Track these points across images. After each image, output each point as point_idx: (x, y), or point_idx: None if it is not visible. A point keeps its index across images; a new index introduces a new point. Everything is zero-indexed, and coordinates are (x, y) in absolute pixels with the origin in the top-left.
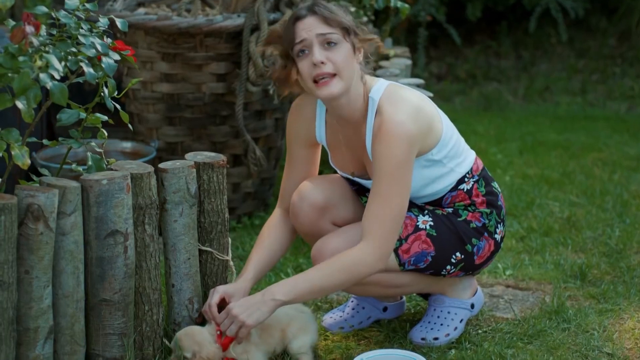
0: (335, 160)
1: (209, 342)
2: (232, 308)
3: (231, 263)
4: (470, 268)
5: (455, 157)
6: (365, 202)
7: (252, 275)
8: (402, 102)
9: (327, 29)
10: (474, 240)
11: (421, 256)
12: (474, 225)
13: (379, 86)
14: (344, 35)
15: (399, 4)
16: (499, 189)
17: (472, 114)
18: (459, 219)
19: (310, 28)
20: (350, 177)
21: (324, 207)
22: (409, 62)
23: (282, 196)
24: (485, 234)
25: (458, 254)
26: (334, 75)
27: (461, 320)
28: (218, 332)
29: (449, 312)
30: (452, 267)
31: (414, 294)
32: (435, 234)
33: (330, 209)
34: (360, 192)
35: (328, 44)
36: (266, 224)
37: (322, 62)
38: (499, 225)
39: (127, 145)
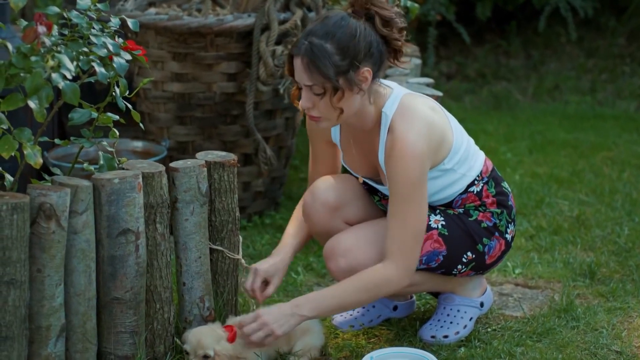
0: (347, 160)
1: (225, 339)
2: (262, 314)
3: (242, 261)
4: (481, 268)
5: (465, 162)
6: (377, 201)
7: (291, 249)
8: (414, 119)
9: (309, 81)
10: (485, 240)
11: (433, 255)
12: (485, 225)
13: (393, 99)
14: (330, 84)
15: (409, 3)
16: (509, 189)
17: (481, 113)
18: (470, 219)
19: (298, 73)
20: (361, 177)
21: (336, 207)
22: (418, 61)
23: (311, 183)
24: (496, 234)
25: (469, 253)
26: (321, 117)
27: (471, 319)
28: (229, 331)
29: (458, 311)
30: (463, 266)
31: (424, 293)
32: (447, 234)
33: (342, 208)
34: (372, 191)
35: (314, 93)
36: (299, 204)
37: (309, 107)
38: (509, 225)
39: (138, 144)
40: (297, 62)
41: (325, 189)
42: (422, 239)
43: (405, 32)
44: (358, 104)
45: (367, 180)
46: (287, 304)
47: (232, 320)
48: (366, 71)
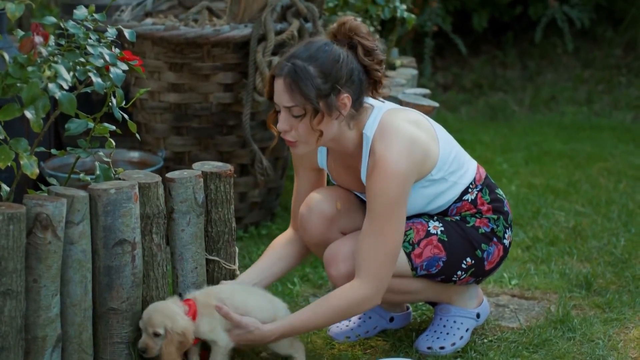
0: (337, 179)
1: (180, 315)
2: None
3: (238, 272)
4: (480, 274)
5: (457, 171)
6: None
7: (253, 282)
8: (395, 138)
9: (290, 102)
10: (483, 245)
11: (433, 261)
12: (483, 231)
13: (373, 119)
14: (311, 106)
15: (406, 14)
16: (504, 195)
17: (478, 124)
18: (467, 225)
19: (279, 94)
20: (359, 193)
21: (332, 217)
22: (415, 72)
23: (294, 216)
24: (495, 239)
25: (469, 259)
26: (297, 141)
27: (467, 330)
28: (189, 306)
29: (455, 322)
30: (463, 272)
31: (421, 303)
32: (446, 239)
33: (338, 219)
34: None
35: (293, 115)
36: (277, 239)
37: (286, 130)
38: (507, 230)
39: (135, 154)
40: (279, 83)
41: (320, 200)
42: (396, 259)
43: (384, 65)
44: (336, 129)
45: (358, 194)
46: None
47: (193, 294)
48: (346, 97)
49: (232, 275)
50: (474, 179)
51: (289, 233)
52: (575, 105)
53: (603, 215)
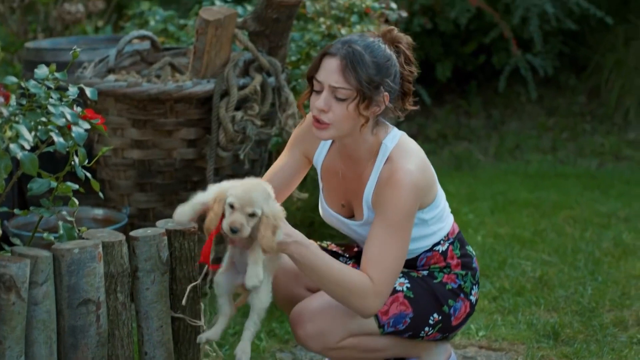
0: (326, 191)
1: (274, 199)
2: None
3: (205, 328)
4: (447, 330)
5: (439, 221)
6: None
7: None
8: (413, 153)
9: (342, 83)
10: (450, 301)
11: (400, 318)
12: (450, 287)
13: (393, 135)
14: (357, 93)
15: None
16: (473, 252)
17: (443, 174)
18: (435, 281)
19: (329, 73)
20: (336, 214)
21: (297, 274)
22: None
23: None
24: (462, 295)
25: (435, 315)
26: (329, 124)
27: None
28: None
29: None
30: (430, 328)
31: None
32: (412, 296)
33: (304, 276)
34: (335, 255)
35: (338, 95)
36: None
37: (323, 110)
38: (474, 287)
39: (99, 212)
40: (332, 62)
41: (287, 257)
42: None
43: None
44: (359, 127)
45: (337, 216)
46: (287, 228)
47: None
48: (385, 96)
49: (197, 332)
50: (448, 232)
51: None
52: (540, 153)
53: (569, 264)
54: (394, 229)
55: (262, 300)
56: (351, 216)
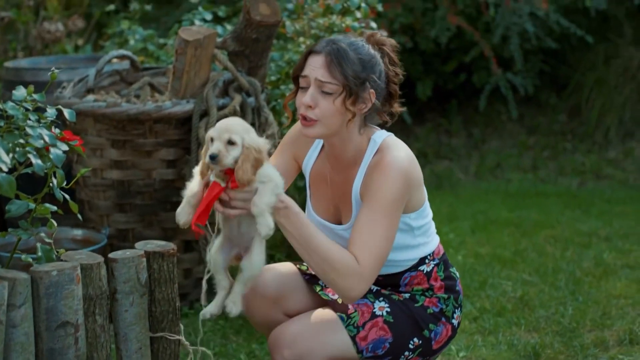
0: (314, 198)
1: (255, 133)
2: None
3: (186, 342)
4: (427, 353)
5: (424, 235)
6: (320, 290)
7: None
8: (402, 146)
9: (328, 78)
10: (431, 325)
11: (379, 343)
12: (432, 311)
13: (381, 134)
14: (344, 87)
15: None
16: (457, 274)
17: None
18: (416, 305)
19: (314, 69)
20: (323, 221)
21: (275, 299)
22: None
23: None
24: (443, 319)
25: (416, 339)
26: (316, 121)
27: None
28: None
29: None
30: (410, 352)
31: None
32: (392, 320)
33: (281, 300)
34: (313, 281)
35: (324, 90)
36: None
37: (310, 106)
38: (456, 310)
39: (78, 232)
40: (316, 59)
41: (264, 281)
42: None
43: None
44: (345, 124)
45: (324, 223)
46: (282, 195)
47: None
48: (372, 93)
49: (177, 354)
50: (434, 251)
51: None
52: (520, 172)
53: (550, 283)
54: (382, 214)
55: (254, 267)
56: (338, 222)
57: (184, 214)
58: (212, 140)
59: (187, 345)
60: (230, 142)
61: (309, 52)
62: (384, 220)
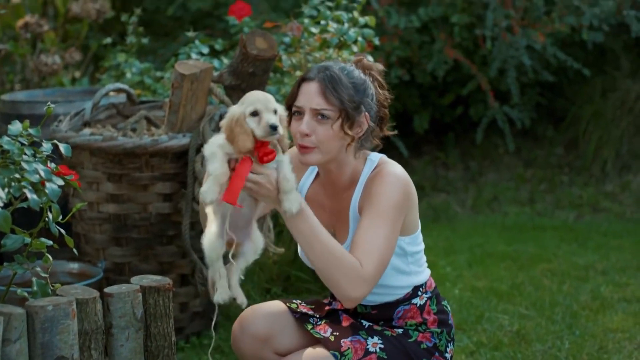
0: None
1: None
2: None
3: None
4: None
5: (416, 264)
6: (311, 329)
7: None
8: (399, 166)
9: (323, 104)
10: None
11: None
12: (425, 346)
13: (376, 155)
14: (340, 112)
15: None
16: (449, 308)
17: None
18: (409, 340)
19: (309, 97)
20: None
21: (265, 338)
22: None
23: None
24: (436, 354)
25: None
26: (314, 147)
27: None
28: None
29: None
30: None
31: None
32: (385, 357)
33: (272, 339)
34: (304, 320)
35: (320, 116)
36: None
37: (307, 135)
38: (449, 344)
39: (74, 266)
40: (310, 86)
41: (254, 319)
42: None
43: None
44: (344, 149)
45: None
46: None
47: None
48: (366, 116)
49: None
50: (426, 283)
51: None
52: (517, 205)
53: (547, 317)
54: (383, 219)
55: (257, 249)
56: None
57: (211, 193)
58: (254, 113)
59: None
60: (275, 112)
61: (302, 80)
62: (385, 225)
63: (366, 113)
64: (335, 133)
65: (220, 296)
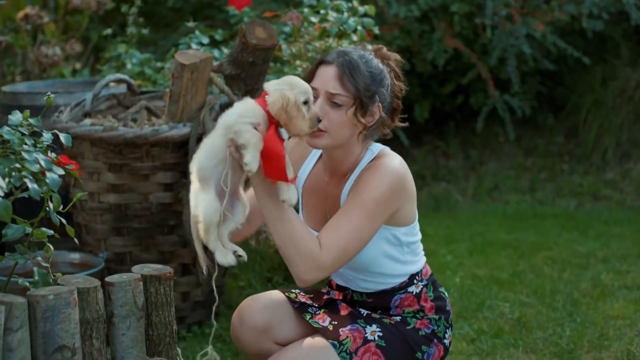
0: (305, 211)
1: None
2: None
3: None
4: None
5: (412, 254)
6: (310, 318)
7: None
8: (398, 157)
9: (339, 90)
10: (423, 347)
11: None
12: (423, 333)
13: (379, 145)
14: (355, 100)
15: None
16: (446, 294)
17: (421, 215)
18: (407, 327)
19: (325, 80)
20: (314, 232)
21: (264, 329)
22: None
23: None
24: (435, 340)
25: None
26: (325, 132)
27: None
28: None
29: None
30: None
31: None
32: (384, 345)
33: (271, 330)
34: (303, 309)
35: (334, 102)
36: None
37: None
38: (447, 330)
39: (76, 256)
40: (328, 70)
41: (252, 311)
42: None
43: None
44: (353, 137)
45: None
46: None
47: None
48: (379, 106)
49: None
50: (421, 271)
51: None
52: (518, 193)
53: (548, 305)
54: (360, 210)
55: (245, 212)
56: None
57: (256, 161)
58: (305, 102)
59: None
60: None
61: (320, 62)
62: (361, 216)
63: (379, 103)
64: (347, 120)
65: (223, 257)
